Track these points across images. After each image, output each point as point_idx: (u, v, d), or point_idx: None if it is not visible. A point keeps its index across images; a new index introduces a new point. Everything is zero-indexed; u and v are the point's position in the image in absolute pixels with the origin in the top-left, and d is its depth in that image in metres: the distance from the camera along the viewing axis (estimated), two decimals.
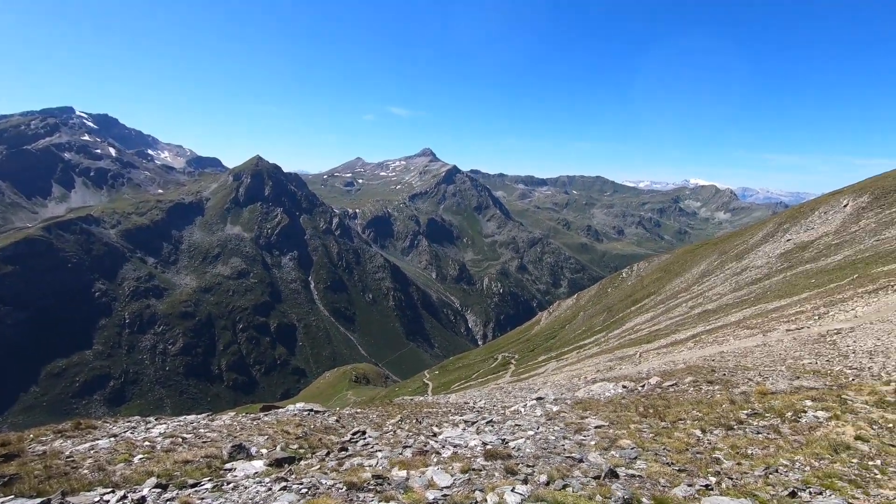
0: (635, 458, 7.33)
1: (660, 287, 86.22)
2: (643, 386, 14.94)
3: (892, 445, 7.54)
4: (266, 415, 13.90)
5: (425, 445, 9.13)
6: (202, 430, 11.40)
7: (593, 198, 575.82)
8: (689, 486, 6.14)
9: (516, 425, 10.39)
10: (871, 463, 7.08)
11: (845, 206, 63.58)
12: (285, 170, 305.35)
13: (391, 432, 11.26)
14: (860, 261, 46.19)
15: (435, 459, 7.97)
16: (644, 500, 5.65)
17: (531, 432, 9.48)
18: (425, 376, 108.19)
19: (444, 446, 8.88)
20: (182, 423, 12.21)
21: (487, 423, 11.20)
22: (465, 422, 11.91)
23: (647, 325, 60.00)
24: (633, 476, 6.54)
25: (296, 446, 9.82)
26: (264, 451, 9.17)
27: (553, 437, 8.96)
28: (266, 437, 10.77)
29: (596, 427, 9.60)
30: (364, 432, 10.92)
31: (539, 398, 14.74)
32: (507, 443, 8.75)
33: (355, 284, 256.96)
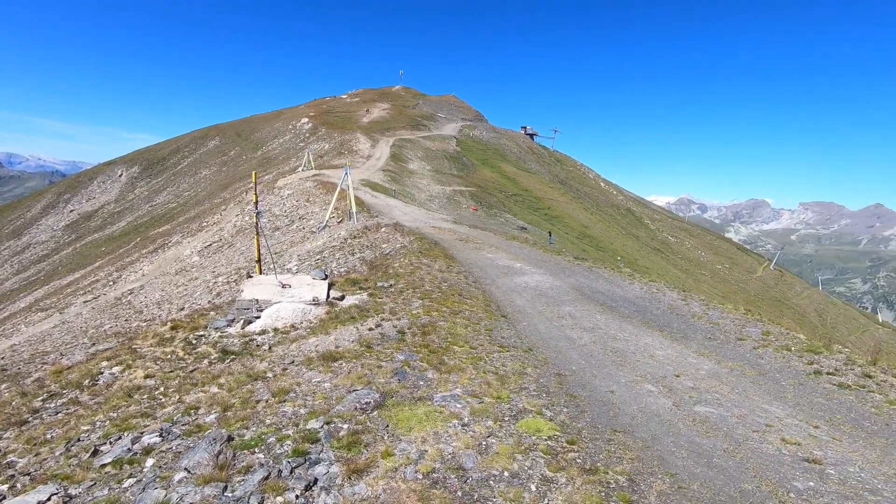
0: None
1: None
2: None
3: (171, 371, 9.38)
4: None
5: None
6: None
7: None
8: None
9: None
10: (157, 392, 8.51)
11: (120, 175, 68.10)
12: None
13: None
14: (141, 225, 51.71)
15: None
16: None
17: None
18: None
19: None
20: None
21: None
22: None
23: None
24: None
25: None
26: None
27: None
28: None
29: None
30: None
31: None
32: None
33: None
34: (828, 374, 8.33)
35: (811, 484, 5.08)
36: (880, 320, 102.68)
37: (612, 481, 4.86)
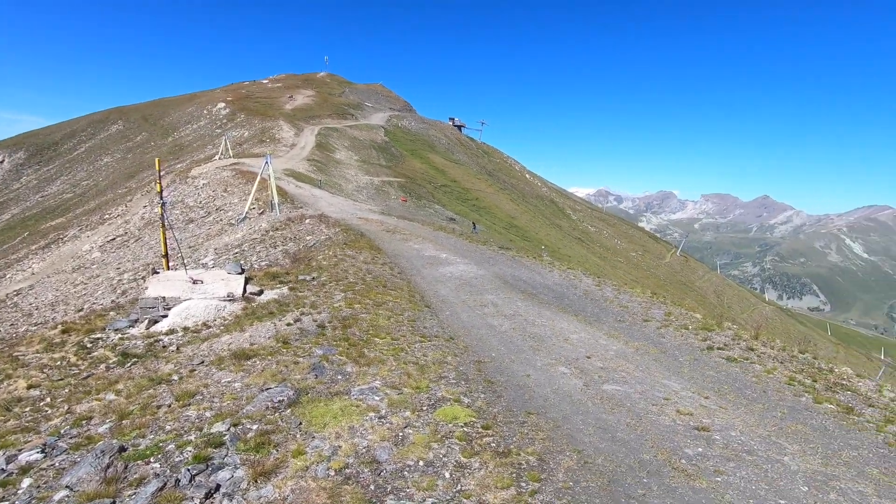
0: None
1: None
2: None
3: (60, 380, 8.46)
4: None
5: None
6: None
7: None
8: None
9: None
10: (42, 403, 7.64)
11: (2, 162, 60.32)
12: None
13: None
14: (29, 218, 46.13)
15: None
16: None
17: None
18: None
19: None
20: None
21: None
22: None
23: None
24: None
25: None
26: None
27: None
28: None
29: None
30: None
31: None
32: None
33: None
34: (718, 348, 9.19)
35: (700, 450, 5.57)
36: (766, 299, 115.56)
37: (523, 462, 5.04)
